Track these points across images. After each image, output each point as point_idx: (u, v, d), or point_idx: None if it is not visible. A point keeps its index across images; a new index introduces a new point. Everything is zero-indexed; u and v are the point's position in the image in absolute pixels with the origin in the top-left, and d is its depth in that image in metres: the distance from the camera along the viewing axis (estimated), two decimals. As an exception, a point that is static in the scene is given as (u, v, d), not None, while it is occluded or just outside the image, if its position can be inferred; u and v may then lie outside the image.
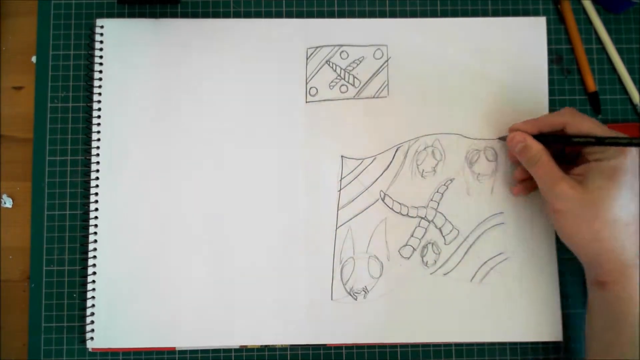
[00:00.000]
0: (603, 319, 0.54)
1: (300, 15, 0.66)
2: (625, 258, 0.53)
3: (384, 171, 0.63)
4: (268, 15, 0.66)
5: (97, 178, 0.62)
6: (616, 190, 0.52)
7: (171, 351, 0.62)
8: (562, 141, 0.57)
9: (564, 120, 0.57)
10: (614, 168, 0.53)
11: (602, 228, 0.53)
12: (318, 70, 0.64)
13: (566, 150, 0.60)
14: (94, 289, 0.61)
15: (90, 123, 0.62)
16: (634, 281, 0.53)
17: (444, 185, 0.63)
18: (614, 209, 0.52)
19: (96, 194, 0.62)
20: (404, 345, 0.63)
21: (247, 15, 0.66)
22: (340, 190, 0.63)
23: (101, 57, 0.63)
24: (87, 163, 0.62)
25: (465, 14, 0.67)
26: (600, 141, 0.53)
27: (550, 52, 0.65)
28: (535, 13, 0.67)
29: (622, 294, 0.53)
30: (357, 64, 0.64)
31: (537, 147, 0.57)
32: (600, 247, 0.54)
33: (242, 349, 0.62)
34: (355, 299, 0.62)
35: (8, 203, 0.64)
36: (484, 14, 0.67)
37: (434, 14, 0.67)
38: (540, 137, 0.58)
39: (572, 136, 0.56)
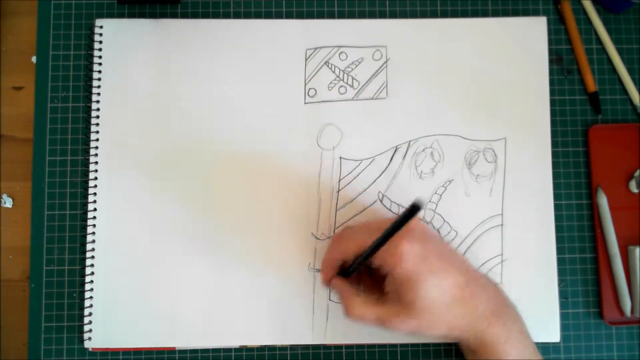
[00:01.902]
0: None
1: (299, 15, 0.66)
2: (473, 327, 0.54)
3: (382, 172, 0.63)
4: (268, 15, 0.66)
5: (96, 178, 0.62)
6: (423, 291, 0.52)
7: (171, 351, 0.62)
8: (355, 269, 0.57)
9: (340, 255, 0.56)
10: (403, 275, 0.52)
11: (440, 325, 0.53)
12: (317, 71, 0.64)
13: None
14: (92, 289, 0.61)
15: (90, 123, 0.62)
16: (492, 341, 0.54)
17: (443, 186, 0.63)
18: (432, 308, 0.52)
19: (95, 194, 0.62)
20: (404, 345, 0.63)
21: (247, 15, 0.66)
22: (338, 191, 0.63)
23: (100, 57, 0.63)
24: (87, 163, 0.62)
25: (465, 14, 0.67)
26: (370, 254, 0.53)
27: (550, 52, 0.65)
28: (535, 13, 0.67)
29: (489, 356, 0.54)
30: (356, 65, 0.64)
31: (345, 292, 0.56)
32: (455, 333, 0.54)
33: (242, 349, 0.62)
34: (354, 300, 0.62)
35: (8, 203, 0.64)
36: (484, 14, 0.67)
37: (433, 14, 0.66)
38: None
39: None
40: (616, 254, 0.63)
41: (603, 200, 0.64)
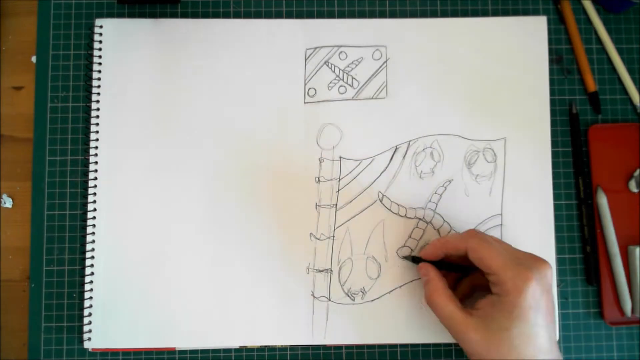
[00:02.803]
0: None
1: (299, 15, 0.66)
2: None
3: (382, 172, 0.63)
4: (268, 15, 0.66)
5: (96, 178, 0.62)
6: (518, 330, 0.51)
7: (171, 351, 0.62)
8: (461, 270, 0.59)
9: (466, 245, 0.56)
10: (513, 305, 0.51)
11: None
12: (317, 71, 0.64)
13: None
14: (92, 289, 0.61)
15: (90, 123, 0.62)
16: None
17: (442, 186, 0.63)
18: (519, 348, 0.51)
19: (94, 194, 0.62)
20: (404, 345, 0.63)
21: (247, 15, 0.66)
22: (338, 191, 0.63)
23: (100, 57, 0.63)
24: (87, 163, 0.62)
25: (465, 14, 0.67)
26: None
27: (550, 52, 0.65)
28: (535, 13, 0.67)
29: None
30: (356, 65, 0.64)
31: (437, 283, 0.57)
32: None
33: (242, 349, 0.62)
34: (353, 300, 0.62)
35: (8, 203, 0.64)
36: (484, 13, 0.67)
37: (433, 14, 0.66)
38: (443, 263, 0.59)
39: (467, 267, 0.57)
40: (616, 254, 0.63)
41: (603, 200, 0.64)
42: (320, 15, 0.66)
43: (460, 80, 0.64)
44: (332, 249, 0.62)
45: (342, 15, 0.66)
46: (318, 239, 0.62)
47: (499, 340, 0.52)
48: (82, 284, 0.61)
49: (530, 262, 0.53)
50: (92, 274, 0.61)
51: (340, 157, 0.63)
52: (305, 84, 0.64)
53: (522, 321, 0.51)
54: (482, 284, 0.57)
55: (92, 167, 0.62)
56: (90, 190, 0.62)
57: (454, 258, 0.59)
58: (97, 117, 0.63)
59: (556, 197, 0.64)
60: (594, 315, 0.64)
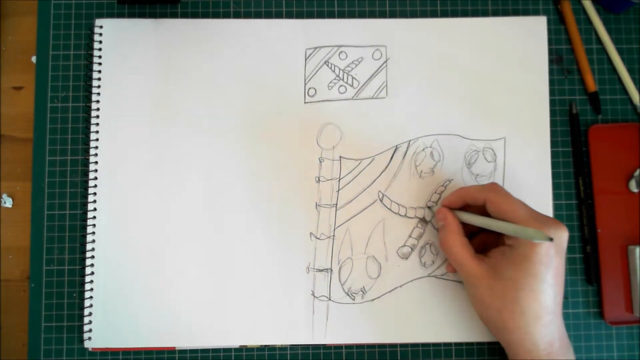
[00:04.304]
0: None
1: (299, 15, 0.66)
2: (536, 350, 0.53)
3: (382, 172, 0.63)
4: (267, 15, 0.66)
5: (96, 178, 0.62)
6: (524, 282, 0.52)
7: (171, 351, 0.62)
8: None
9: (485, 197, 0.56)
10: (524, 258, 0.52)
11: (509, 318, 0.52)
12: (317, 71, 0.64)
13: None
14: (92, 289, 0.61)
15: (90, 123, 0.62)
16: None
17: (442, 186, 0.63)
18: (522, 300, 0.52)
19: (94, 193, 0.62)
20: (403, 345, 0.63)
21: (247, 15, 0.66)
22: (338, 191, 0.63)
23: (100, 57, 0.63)
24: (87, 163, 0.62)
25: (465, 14, 0.67)
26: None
27: (550, 52, 0.65)
28: (535, 13, 0.67)
29: None
30: (356, 65, 0.64)
31: (453, 228, 0.58)
32: (510, 337, 0.53)
33: (242, 349, 0.62)
34: (353, 300, 0.62)
35: (8, 203, 0.64)
36: (484, 13, 0.67)
37: (433, 14, 0.66)
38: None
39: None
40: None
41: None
42: (320, 15, 0.66)
43: (460, 80, 0.64)
44: (332, 248, 0.62)
45: (342, 15, 0.66)
46: (318, 239, 0.62)
47: (504, 288, 0.53)
48: (82, 284, 0.61)
49: (549, 222, 0.53)
50: (92, 273, 0.61)
51: (340, 157, 0.63)
52: (305, 84, 0.64)
53: (530, 275, 0.52)
54: (495, 241, 0.58)
55: (92, 167, 0.62)
56: (90, 190, 0.62)
57: (471, 210, 0.59)
58: (97, 117, 0.63)
59: (556, 197, 0.64)
60: (594, 315, 0.64)
